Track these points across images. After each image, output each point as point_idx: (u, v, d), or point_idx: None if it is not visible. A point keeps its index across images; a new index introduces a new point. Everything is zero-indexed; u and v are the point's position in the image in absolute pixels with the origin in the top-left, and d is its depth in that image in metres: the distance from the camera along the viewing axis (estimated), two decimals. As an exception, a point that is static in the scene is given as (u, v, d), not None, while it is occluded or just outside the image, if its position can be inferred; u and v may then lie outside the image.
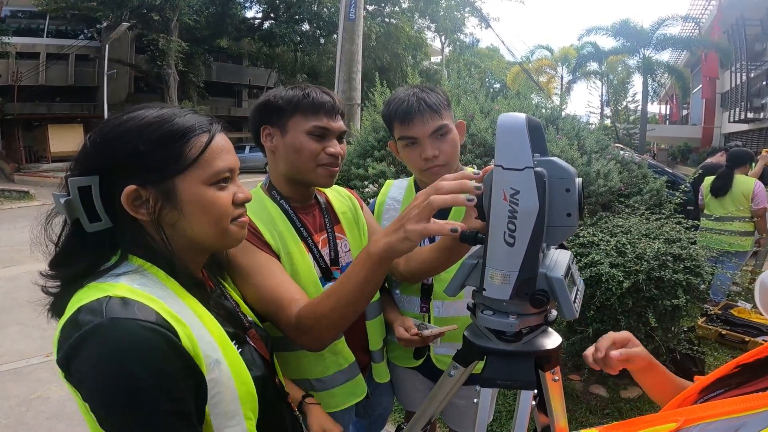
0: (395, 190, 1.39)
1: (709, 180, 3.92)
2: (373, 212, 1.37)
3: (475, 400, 0.76)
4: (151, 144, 0.65)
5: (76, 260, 0.66)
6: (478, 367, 0.77)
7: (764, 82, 18.44)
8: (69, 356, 0.57)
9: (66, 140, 16.94)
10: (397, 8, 19.85)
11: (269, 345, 0.86)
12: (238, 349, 0.71)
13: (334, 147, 1.05)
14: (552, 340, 0.76)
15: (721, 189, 3.74)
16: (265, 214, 1.07)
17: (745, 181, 3.73)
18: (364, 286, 0.76)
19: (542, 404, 0.79)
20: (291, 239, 1.05)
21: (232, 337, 0.71)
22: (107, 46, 15.99)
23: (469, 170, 0.68)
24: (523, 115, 0.62)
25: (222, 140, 0.71)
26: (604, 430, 0.66)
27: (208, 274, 0.81)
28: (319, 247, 1.10)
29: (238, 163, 0.74)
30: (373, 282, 0.77)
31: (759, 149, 5.56)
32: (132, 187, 0.64)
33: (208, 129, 0.69)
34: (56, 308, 0.66)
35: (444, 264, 1.04)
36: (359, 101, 6.23)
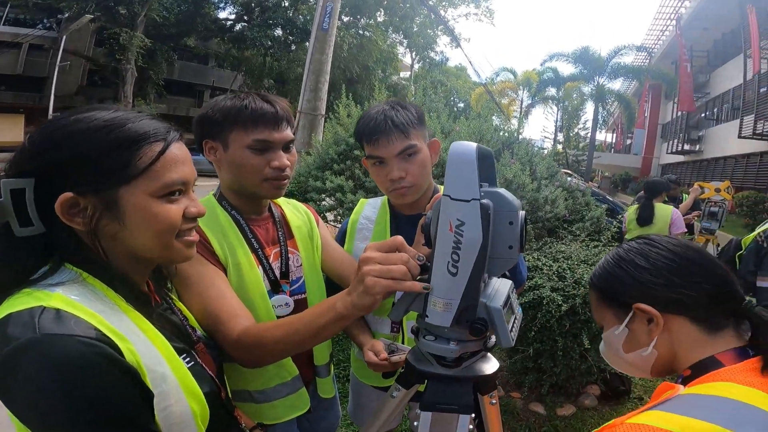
0: (368, 209, 1.38)
1: (631, 209, 4.27)
2: (345, 231, 1.36)
3: (416, 423, 0.77)
4: (97, 151, 0.60)
5: (3, 264, 0.61)
6: (422, 386, 0.78)
7: (703, 114, 20.01)
8: (0, 375, 0.53)
9: (4, 130, 15.95)
10: (372, 21, 20.11)
11: (218, 360, 0.83)
12: (188, 363, 0.68)
13: (279, 160, 1.02)
14: (490, 365, 0.78)
15: (648, 219, 4.06)
16: (216, 223, 1.04)
17: (664, 209, 4.11)
18: (318, 333, 0.77)
19: (480, 427, 0.81)
20: (241, 250, 1.03)
21: (179, 351, 0.68)
22: (64, 36, 15.18)
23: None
24: (474, 145, 0.64)
25: (178, 150, 0.67)
26: None
27: (154, 287, 0.77)
28: (270, 260, 1.09)
29: (194, 175, 0.70)
30: (329, 333, 0.77)
31: (692, 181, 6.04)
32: (68, 195, 0.60)
33: (163, 137, 0.65)
34: None
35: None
36: (323, 112, 6.20)
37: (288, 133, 1.05)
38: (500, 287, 0.72)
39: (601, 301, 0.79)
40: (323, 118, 6.12)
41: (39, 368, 0.52)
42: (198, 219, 0.72)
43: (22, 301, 0.57)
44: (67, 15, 15.88)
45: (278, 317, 1.06)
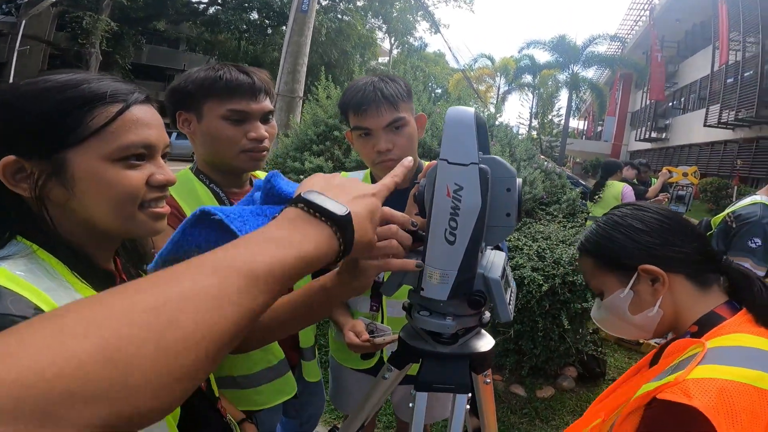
0: None
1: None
2: None
3: (411, 405, 0.74)
4: (45, 111, 0.55)
5: None
6: (414, 368, 0.75)
7: (671, 104, 20.64)
8: None
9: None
10: (351, 5, 19.72)
11: None
12: None
13: (257, 131, 0.98)
14: (486, 341, 0.75)
15: (591, 195, 4.37)
16: (193, 196, 0.98)
17: (615, 186, 4.34)
18: (308, 316, 0.72)
19: (474, 407, 0.79)
20: None
21: None
22: (24, 21, 14.32)
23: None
24: (471, 110, 0.60)
25: (142, 112, 0.61)
26: None
27: (122, 265, 0.70)
28: None
29: (163, 140, 0.63)
30: (320, 316, 0.73)
31: (659, 167, 6.24)
32: (11, 158, 0.54)
33: (124, 99, 0.59)
34: None
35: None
36: (301, 94, 6.07)
37: (266, 104, 1.00)
38: (495, 259, 0.69)
39: (600, 268, 0.80)
40: (300, 101, 5.98)
41: None
42: (169, 189, 0.65)
43: None
44: (26, 0, 14.99)
45: None
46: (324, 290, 0.67)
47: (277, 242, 0.40)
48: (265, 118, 1.01)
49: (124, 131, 0.58)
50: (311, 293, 0.69)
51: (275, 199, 0.56)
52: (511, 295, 0.71)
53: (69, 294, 0.56)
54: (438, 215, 0.59)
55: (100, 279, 0.61)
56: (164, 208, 0.65)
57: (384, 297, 1.23)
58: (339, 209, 0.44)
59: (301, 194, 0.45)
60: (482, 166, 0.58)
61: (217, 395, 0.83)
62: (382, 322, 1.23)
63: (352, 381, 1.36)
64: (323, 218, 0.44)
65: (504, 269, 0.69)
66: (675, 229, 0.76)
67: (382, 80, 1.14)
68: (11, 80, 13.85)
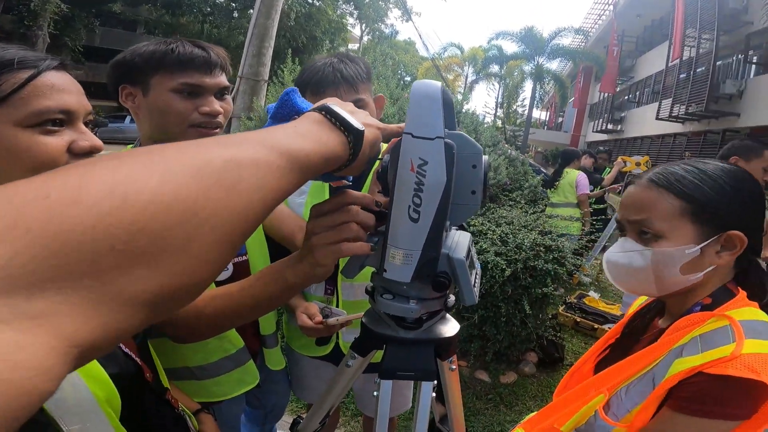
0: None
1: None
2: None
3: (375, 393, 0.71)
4: None
5: None
6: (378, 356, 0.72)
7: (626, 97, 21.47)
8: None
9: None
10: (323, -10, 19.23)
11: (138, 338, 0.71)
12: None
13: (210, 105, 0.93)
14: (451, 326, 0.73)
15: (549, 183, 4.51)
16: None
17: (571, 173, 4.55)
18: (264, 305, 0.67)
19: (440, 394, 0.77)
20: None
21: None
22: None
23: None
24: (438, 84, 0.57)
25: (58, 78, 0.59)
26: (534, 421, 0.76)
27: None
28: None
29: (83, 107, 0.60)
30: (276, 304, 0.68)
31: (615, 157, 6.53)
32: None
33: (33, 65, 0.56)
34: None
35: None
36: (266, 77, 5.88)
37: (222, 79, 0.96)
38: (460, 239, 0.66)
39: (682, 214, 0.71)
40: (265, 84, 5.79)
41: None
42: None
43: None
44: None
45: (216, 284, 0.94)
46: (283, 279, 0.62)
47: (307, 136, 0.42)
48: (220, 93, 0.96)
49: (37, 97, 0.56)
50: (270, 281, 0.64)
51: (289, 113, 0.55)
52: (476, 277, 0.69)
53: None
54: (401, 191, 0.55)
55: None
56: None
57: (339, 280, 1.20)
58: (356, 123, 0.49)
59: (325, 104, 0.49)
60: (448, 140, 0.55)
61: (166, 386, 0.77)
62: (336, 306, 1.19)
63: (309, 369, 1.32)
64: (342, 128, 0.47)
65: (469, 249, 0.66)
66: (761, 201, 0.73)
67: (342, 61, 1.11)
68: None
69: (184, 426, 0.78)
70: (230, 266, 0.99)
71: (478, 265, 0.74)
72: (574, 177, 4.50)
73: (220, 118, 0.95)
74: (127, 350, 0.65)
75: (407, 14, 22.07)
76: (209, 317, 0.69)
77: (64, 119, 0.58)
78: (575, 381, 0.84)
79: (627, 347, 0.79)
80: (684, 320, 0.69)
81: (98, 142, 0.61)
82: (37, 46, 15.12)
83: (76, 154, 0.58)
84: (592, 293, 4.10)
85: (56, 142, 0.57)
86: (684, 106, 13.30)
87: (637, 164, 5.64)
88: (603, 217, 5.04)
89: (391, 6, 23.98)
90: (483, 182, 0.61)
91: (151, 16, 19.65)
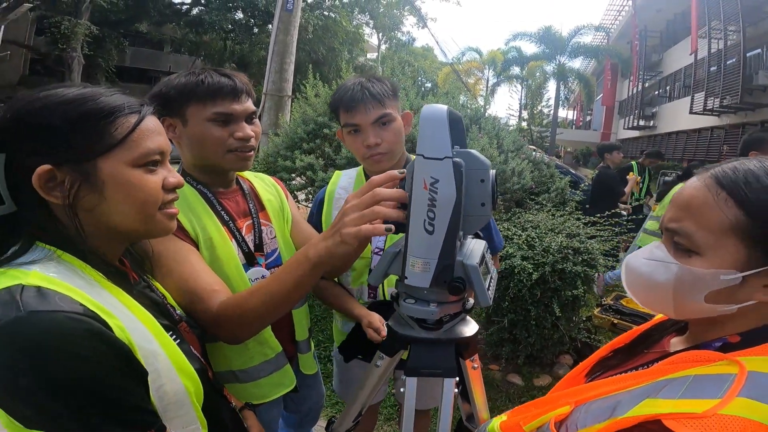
0: (344, 179, 1.39)
1: (676, 188, 4.36)
2: (322, 201, 1.37)
3: (402, 389, 0.78)
4: (72, 121, 0.59)
5: None
6: (406, 354, 0.78)
7: (656, 92, 20.84)
8: None
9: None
10: (337, 2, 19.64)
11: (201, 339, 0.82)
12: (175, 340, 0.67)
13: (243, 130, 1.01)
14: (470, 327, 0.79)
15: (660, 195, 4.22)
16: (182, 199, 1.01)
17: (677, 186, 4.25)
18: (295, 289, 0.76)
19: (465, 393, 0.83)
20: (211, 224, 1.00)
21: (166, 329, 0.67)
22: (2, 26, 14.05)
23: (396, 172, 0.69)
24: (444, 107, 0.64)
25: (152, 122, 0.67)
26: (514, 413, 0.71)
27: (131, 265, 0.75)
28: (243, 233, 1.07)
29: (169, 147, 0.70)
30: (305, 286, 0.76)
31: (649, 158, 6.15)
32: (47, 167, 0.58)
33: (137, 110, 0.65)
34: None
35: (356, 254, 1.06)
36: (290, 93, 6.07)
37: (249, 104, 1.04)
38: (475, 246, 0.72)
39: (739, 231, 0.54)
40: (290, 99, 5.98)
41: (28, 347, 0.50)
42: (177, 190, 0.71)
43: None
44: (5, 5, 14.69)
45: None
46: (305, 258, 0.73)
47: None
48: (249, 118, 1.04)
49: (143, 139, 0.64)
50: (293, 263, 0.76)
51: None
52: (490, 281, 0.75)
53: (98, 291, 0.60)
54: (417, 207, 0.62)
55: (118, 276, 0.66)
56: (175, 209, 0.71)
57: (384, 285, 1.29)
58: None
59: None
60: (456, 159, 0.62)
61: (221, 384, 0.87)
62: None
63: (359, 371, 1.40)
64: None
65: (483, 256, 0.72)
66: None
67: (369, 80, 1.22)
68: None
69: (238, 418, 0.87)
70: (268, 275, 1.08)
71: (493, 270, 0.80)
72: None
73: (253, 141, 1.04)
74: (195, 351, 0.74)
75: (422, 21, 22.23)
76: (250, 313, 0.80)
77: (159, 160, 0.67)
78: (565, 382, 0.75)
79: (626, 358, 0.69)
80: (691, 354, 0.56)
81: (181, 179, 0.70)
82: (73, 68, 15.93)
83: (168, 189, 0.68)
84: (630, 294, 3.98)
85: (156, 179, 0.65)
86: (718, 99, 12.87)
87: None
88: (636, 216, 4.87)
89: (405, 14, 24.20)
90: (491, 195, 0.67)
91: (176, 35, 20.47)
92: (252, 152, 1.04)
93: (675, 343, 0.68)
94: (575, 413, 0.60)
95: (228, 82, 0.99)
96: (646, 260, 0.61)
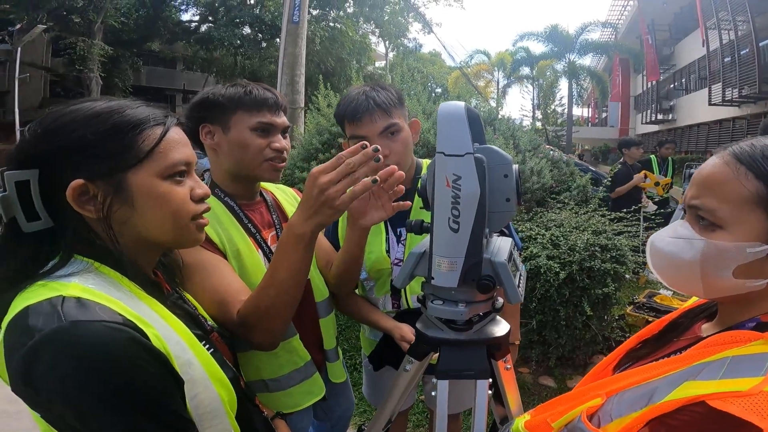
0: None
1: None
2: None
3: (433, 393, 0.76)
4: (101, 134, 0.60)
5: (10, 261, 0.60)
6: (435, 358, 0.77)
7: (672, 85, 20.46)
8: (27, 368, 0.51)
9: (-29, 150, 15.31)
10: (341, 13, 19.87)
11: (232, 349, 0.83)
12: (208, 350, 0.68)
13: (279, 142, 1.06)
14: (501, 327, 0.77)
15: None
16: (209, 211, 1.03)
17: None
18: (299, 268, 0.79)
19: (497, 395, 0.80)
20: (238, 236, 1.03)
21: (199, 338, 0.67)
22: (19, 48, 14.59)
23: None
24: (462, 104, 0.63)
25: (177, 134, 0.68)
26: (538, 411, 0.68)
27: (164, 276, 0.77)
28: (269, 243, 1.09)
29: (195, 157, 0.70)
30: (306, 263, 0.80)
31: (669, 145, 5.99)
32: (79, 181, 0.59)
33: (162, 121, 0.66)
34: None
35: (360, 251, 1.07)
36: (302, 105, 6.15)
37: (285, 119, 1.10)
38: (502, 244, 0.71)
39: (762, 204, 0.54)
40: (302, 111, 6.05)
41: (71, 357, 0.51)
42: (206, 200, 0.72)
43: (37, 293, 0.55)
44: (19, 26, 15.23)
45: None
46: (291, 233, 0.77)
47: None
48: (284, 132, 1.09)
49: (170, 150, 0.65)
50: (282, 244, 0.79)
51: None
52: (520, 279, 0.73)
53: (135, 301, 0.61)
54: (440, 206, 0.61)
55: (153, 287, 0.67)
56: (206, 219, 0.72)
57: (407, 293, 1.26)
58: None
59: None
60: (477, 155, 0.61)
61: (253, 393, 0.88)
62: None
63: (389, 378, 1.38)
64: None
65: (511, 253, 0.71)
66: None
67: (374, 89, 1.18)
68: (17, 109, 14.26)
69: (270, 427, 0.87)
70: None
71: (522, 267, 0.78)
72: None
73: (286, 154, 1.08)
74: (227, 361, 0.75)
75: (428, 26, 22.28)
76: (265, 307, 0.81)
77: (185, 170, 0.67)
78: (591, 377, 0.73)
79: (656, 348, 0.69)
80: (726, 335, 0.56)
81: (208, 190, 0.71)
82: (92, 89, 16.37)
83: (196, 200, 0.68)
84: (663, 291, 3.85)
85: (183, 190, 0.66)
86: (736, 90, 12.59)
87: (656, 184, 5.06)
88: (663, 210, 4.72)
89: (410, 20, 24.35)
90: (516, 190, 0.66)
91: (187, 53, 20.93)
92: (284, 164, 1.08)
93: (706, 328, 0.67)
94: (607, 404, 0.59)
95: (271, 96, 1.05)
96: (672, 239, 0.61)
